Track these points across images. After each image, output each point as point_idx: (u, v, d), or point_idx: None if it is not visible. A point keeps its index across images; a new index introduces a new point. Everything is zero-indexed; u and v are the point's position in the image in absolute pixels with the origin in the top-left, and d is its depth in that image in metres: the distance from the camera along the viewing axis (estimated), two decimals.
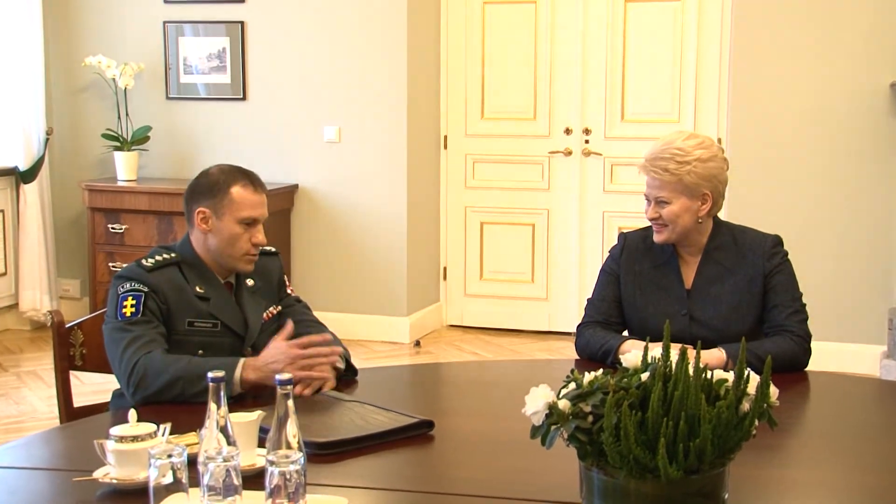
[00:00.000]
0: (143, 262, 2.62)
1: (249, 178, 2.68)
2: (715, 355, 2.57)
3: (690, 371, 1.67)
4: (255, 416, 1.99)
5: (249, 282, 2.75)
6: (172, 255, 2.66)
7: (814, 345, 2.77)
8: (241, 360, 2.48)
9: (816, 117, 5.30)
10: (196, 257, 2.67)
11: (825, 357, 3.95)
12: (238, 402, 2.36)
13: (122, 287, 2.57)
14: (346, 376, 2.62)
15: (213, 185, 2.65)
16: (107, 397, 2.73)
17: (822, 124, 5.29)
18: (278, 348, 2.50)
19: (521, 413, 1.71)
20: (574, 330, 2.96)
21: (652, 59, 5.80)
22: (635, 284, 2.84)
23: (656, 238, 2.78)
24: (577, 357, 2.84)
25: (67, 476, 1.98)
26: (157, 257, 2.64)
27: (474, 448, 2.23)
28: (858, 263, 5.33)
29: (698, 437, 1.61)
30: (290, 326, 2.59)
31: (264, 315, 2.75)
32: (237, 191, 2.64)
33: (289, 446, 1.72)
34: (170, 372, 2.44)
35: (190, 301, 2.62)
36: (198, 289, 2.64)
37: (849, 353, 5.26)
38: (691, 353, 1.69)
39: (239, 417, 1.94)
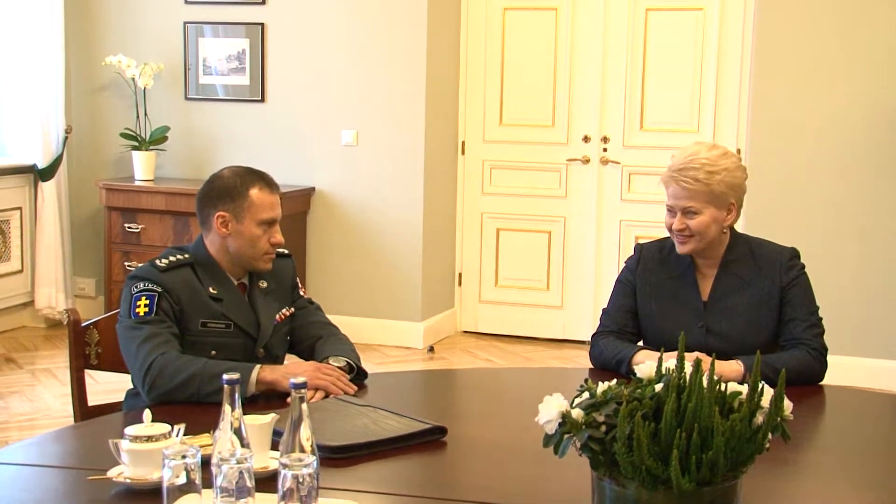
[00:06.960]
0: (157, 262, 2.64)
1: (265, 180, 2.71)
2: (732, 367, 2.57)
3: (704, 383, 1.66)
4: (269, 418, 2.00)
5: (263, 283, 2.76)
6: (186, 255, 2.68)
7: (830, 359, 2.76)
8: (258, 365, 2.52)
9: (837, 130, 5.27)
10: (209, 258, 2.69)
11: (842, 371, 3.92)
12: (252, 404, 2.37)
13: (136, 287, 2.59)
14: (356, 380, 2.63)
15: (231, 189, 2.67)
16: (121, 397, 2.74)
17: (843, 137, 5.27)
18: (303, 364, 2.60)
19: (534, 421, 1.71)
20: (588, 339, 2.95)
21: (672, 68, 5.79)
22: (651, 295, 2.83)
23: (680, 249, 2.76)
24: (591, 366, 2.84)
25: (81, 474, 1.99)
26: (171, 258, 2.65)
27: (487, 455, 2.23)
28: (877, 278, 5.30)
29: (711, 449, 1.61)
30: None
31: (277, 316, 2.77)
32: (256, 193, 2.67)
33: (302, 449, 1.73)
34: (186, 371, 2.45)
35: (203, 302, 2.63)
36: (211, 290, 2.66)
37: (866, 368, 5.22)
38: (706, 362, 1.68)
39: (253, 420, 1.95)
